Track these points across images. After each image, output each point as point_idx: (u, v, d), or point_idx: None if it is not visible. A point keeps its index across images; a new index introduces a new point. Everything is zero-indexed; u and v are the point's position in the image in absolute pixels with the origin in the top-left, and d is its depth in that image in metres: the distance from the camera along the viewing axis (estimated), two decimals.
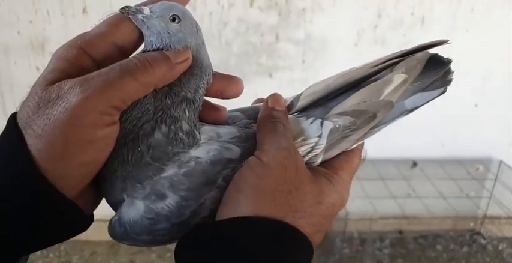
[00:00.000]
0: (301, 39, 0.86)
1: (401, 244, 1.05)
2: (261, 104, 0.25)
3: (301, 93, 0.25)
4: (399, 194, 0.99)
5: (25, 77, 0.84)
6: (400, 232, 1.06)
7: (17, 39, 0.82)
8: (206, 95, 0.24)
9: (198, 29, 0.24)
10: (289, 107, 0.25)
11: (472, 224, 1.09)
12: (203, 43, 0.24)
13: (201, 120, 0.24)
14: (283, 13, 0.84)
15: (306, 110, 0.25)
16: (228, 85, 0.24)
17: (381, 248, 1.04)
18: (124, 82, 0.21)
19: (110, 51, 0.22)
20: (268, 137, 0.22)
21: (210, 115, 0.24)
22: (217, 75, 0.24)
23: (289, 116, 0.24)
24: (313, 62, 0.88)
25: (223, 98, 0.24)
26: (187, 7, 0.24)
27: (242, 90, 0.24)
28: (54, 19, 0.79)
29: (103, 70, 0.21)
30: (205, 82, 0.24)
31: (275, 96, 0.24)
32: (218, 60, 0.84)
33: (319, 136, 0.23)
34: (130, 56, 0.22)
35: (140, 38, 0.23)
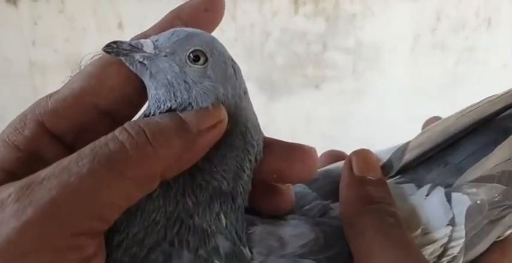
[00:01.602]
0: (351, 47, 0.79)
1: None
2: (337, 164, 0.17)
3: (408, 142, 0.17)
4: None
5: None
6: None
7: (53, 58, 0.80)
8: (254, 180, 0.16)
9: (236, 70, 0.16)
10: (385, 168, 0.17)
11: None
12: (245, 92, 0.16)
13: (249, 211, 0.15)
14: (331, 20, 0.77)
15: (411, 169, 0.16)
16: (292, 162, 0.15)
17: None
18: (101, 183, 0.13)
19: (88, 122, 0.15)
20: (374, 244, 0.14)
21: (265, 202, 0.16)
22: (271, 145, 0.15)
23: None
24: (365, 71, 0.80)
25: (282, 183, 0.16)
26: (216, 32, 0.16)
27: (315, 170, 0.15)
28: (90, 36, 0.76)
29: (64, 162, 0.13)
30: (252, 159, 0.15)
31: (363, 155, 0.16)
32: (259, 74, 0.78)
33: (452, 223, 0.14)
34: (117, 129, 0.14)
35: (140, 92, 0.15)
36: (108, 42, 0.15)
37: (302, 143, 0.15)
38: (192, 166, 0.14)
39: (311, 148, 0.15)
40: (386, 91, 0.81)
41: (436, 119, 0.18)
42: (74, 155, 0.13)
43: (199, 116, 0.14)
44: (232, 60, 0.16)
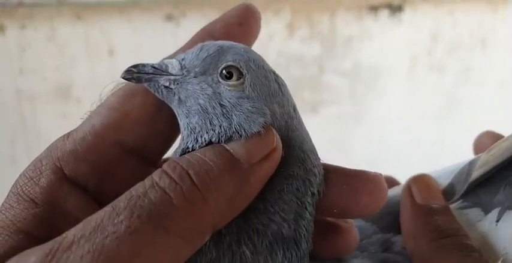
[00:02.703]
0: (348, 69, 0.78)
1: None
2: (392, 192, 0.14)
3: (473, 162, 0.14)
4: None
5: (51, 124, 0.79)
6: None
7: (42, 86, 0.78)
8: (316, 216, 0.13)
9: (280, 84, 0.14)
10: (446, 194, 0.15)
11: None
12: (295, 109, 0.14)
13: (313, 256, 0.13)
14: (327, 43, 0.77)
15: (471, 192, 0.14)
16: (357, 194, 0.13)
17: None
18: (144, 245, 0.10)
19: (112, 163, 0.13)
20: None
21: (324, 243, 0.13)
22: (328, 173, 0.13)
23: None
24: (363, 94, 0.79)
25: (343, 219, 0.14)
26: (257, 46, 0.14)
27: (383, 203, 0.13)
28: (80, 63, 0.75)
29: (95, 219, 0.11)
30: (314, 192, 0.13)
31: (424, 181, 0.14)
32: None
33: None
34: (156, 173, 0.12)
35: (171, 124, 0.13)
36: (99, 69, 0.13)
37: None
38: (246, 208, 0.12)
39: (378, 175, 0.13)
40: (385, 113, 0.80)
41: (489, 133, 0.16)
42: (107, 210, 0.11)
43: (248, 147, 0.12)
44: (274, 73, 0.14)
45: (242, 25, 0.15)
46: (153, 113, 0.14)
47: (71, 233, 0.11)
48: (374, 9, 0.76)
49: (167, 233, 0.11)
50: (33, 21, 0.73)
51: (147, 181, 0.12)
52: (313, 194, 0.13)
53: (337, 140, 0.79)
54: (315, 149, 0.14)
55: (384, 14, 0.76)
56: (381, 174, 0.13)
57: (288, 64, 0.78)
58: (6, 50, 0.71)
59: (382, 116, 0.79)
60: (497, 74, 0.82)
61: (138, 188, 0.12)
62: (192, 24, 0.63)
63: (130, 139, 0.13)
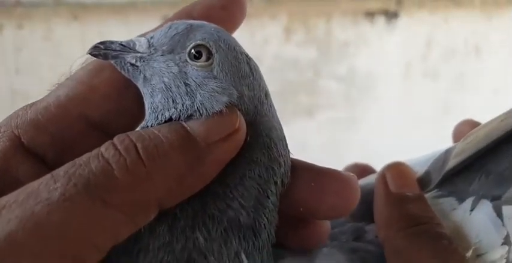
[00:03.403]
0: (343, 74, 0.78)
1: None
2: (366, 180, 0.14)
3: (449, 150, 0.14)
4: None
5: None
6: None
7: (38, 87, 0.78)
8: (282, 211, 0.13)
9: (252, 68, 0.13)
10: (421, 182, 0.15)
11: None
12: (267, 95, 0.13)
13: (276, 245, 0.12)
14: (323, 47, 0.77)
15: (447, 180, 0.14)
16: (324, 194, 0.12)
17: None
18: (76, 214, 0.10)
19: (75, 137, 0.12)
20: None
21: (292, 235, 0.13)
22: (296, 169, 0.13)
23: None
24: (359, 98, 0.79)
25: (311, 218, 0.13)
26: (239, 33, 0.14)
27: (354, 205, 0.12)
28: (76, 64, 0.75)
29: (32, 185, 0.10)
30: (278, 181, 0.12)
31: (399, 169, 0.14)
32: None
33: (507, 242, 0.12)
34: (104, 144, 0.11)
35: (140, 101, 0.13)
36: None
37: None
38: (203, 191, 0.12)
39: (349, 175, 0.13)
40: (380, 119, 0.80)
41: (468, 122, 0.16)
42: (46, 177, 0.11)
43: (208, 125, 0.11)
44: (247, 56, 0.13)
45: (224, 9, 0.14)
46: (121, 89, 0.13)
47: (5, 199, 0.11)
48: (370, 15, 0.76)
49: (105, 205, 0.10)
50: (30, 21, 0.73)
51: (93, 151, 0.11)
52: (275, 183, 0.12)
53: (332, 145, 0.79)
54: (284, 138, 0.13)
55: (380, 20, 0.77)
56: (353, 175, 0.13)
57: (283, 68, 0.78)
58: (2, 50, 0.71)
59: (377, 121, 0.79)
60: (491, 80, 0.83)
61: (82, 157, 0.11)
62: None
63: (95, 114, 0.13)
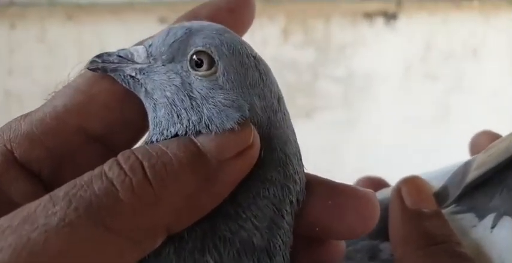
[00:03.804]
0: (342, 76, 0.78)
1: None
2: (380, 195, 0.13)
3: (469, 163, 0.13)
4: None
5: None
6: None
7: (31, 88, 0.76)
8: (294, 230, 0.12)
9: (262, 72, 0.12)
10: (438, 197, 0.14)
11: None
12: (279, 100, 0.12)
13: None
14: (321, 49, 0.77)
15: (466, 195, 0.13)
16: (342, 212, 0.11)
17: None
18: (76, 242, 0.09)
19: (73, 151, 0.11)
20: None
21: (305, 256, 0.12)
22: (311, 185, 0.12)
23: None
24: (357, 100, 0.79)
25: (327, 239, 0.12)
26: (249, 36, 0.13)
27: (374, 224, 0.11)
28: (71, 65, 0.74)
29: (28, 207, 0.09)
30: (293, 200, 0.11)
31: (415, 184, 0.13)
32: None
33: None
34: (108, 162, 0.10)
35: (143, 112, 0.12)
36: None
37: None
38: (213, 211, 0.11)
39: (368, 191, 0.12)
40: (378, 120, 0.79)
41: (486, 133, 0.15)
42: (44, 198, 0.10)
43: (219, 141, 0.10)
44: (255, 58, 0.12)
45: (232, 12, 0.13)
46: (123, 99, 0.12)
47: None
48: (369, 16, 0.76)
49: (108, 231, 0.09)
50: (23, 21, 0.71)
51: (96, 170, 0.10)
52: (291, 202, 0.11)
53: (330, 146, 0.79)
54: (299, 151, 0.12)
55: (379, 21, 0.76)
56: (372, 191, 0.12)
57: (282, 70, 0.77)
58: None
59: (375, 123, 0.79)
60: (489, 82, 0.82)
61: (84, 177, 0.10)
62: None
63: (95, 126, 0.12)
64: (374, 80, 0.78)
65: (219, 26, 0.12)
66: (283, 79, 0.81)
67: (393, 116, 0.78)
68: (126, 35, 0.68)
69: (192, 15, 0.13)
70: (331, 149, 0.78)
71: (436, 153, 0.76)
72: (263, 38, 0.76)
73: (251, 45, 0.13)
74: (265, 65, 0.12)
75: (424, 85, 0.78)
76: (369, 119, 0.78)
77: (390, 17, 0.76)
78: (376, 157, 0.77)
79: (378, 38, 0.77)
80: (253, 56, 0.12)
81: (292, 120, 0.14)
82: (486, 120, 0.79)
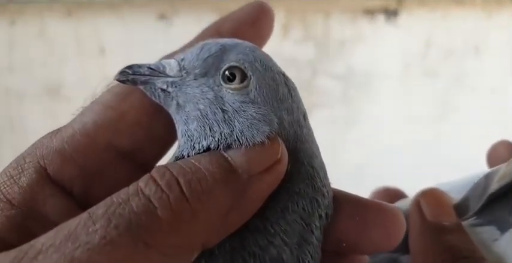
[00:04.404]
0: (341, 73, 0.77)
1: None
2: (401, 206, 0.13)
3: (490, 175, 0.13)
4: None
5: (39, 124, 0.77)
6: None
7: (31, 85, 0.76)
8: (321, 246, 0.11)
9: (290, 89, 0.13)
10: (458, 209, 0.13)
11: None
12: (305, 117, 0.13)
13: None
14: (321, 45, 0.76)
15: (486, 207, 0.13)
16: (369, 228, 0.11)
17: None
18: (118, 259, 0.09)
19: (103, 167, 0.12)
20: None
21: None
22: (337, 201, 0.12)
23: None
24: (357, 97, 0.78)
25: (352, 253, 0.12)
26: (269, 48, 0.12)
27: (399, 239, 0.12)
28: (70, 61, 0.73)
29: (68, 225, 0.10)
30: (322, 214, 0.11)
31: (435, 196, 0.13)
32: None
33: None
34: (143, 179, 0.11)
35: (171, 127, 0.12)
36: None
37: None
38: (242, 226, 0.11)
39: (394, 207, 0.12)
40: (378, 118, 0.79)
41: (504, 143, 0.15)
42: (83, 216, 0.10)
43: (249, 155, 0.11)
44: (284, 75, 0.13)
45: (254, 25, 0.13)
46: (152, 115, 0.12)
47: (40, 241, 0.10)
48: (369, 13, 0.75)
49: (148, 248, 0.10)
50: (23, 17, 0.71)
51: (131, 187, 0.11)
52: (320, 216, 0.11)
53: (330, 144, 0.79)
54: (324, 166, 0.12)
55: (380, 18, 0.75)
56: (398, 208, 0.12)
57: (281, 66, 0.77)
58: None
59: (375, 120, 0.78)
60: (490, 79, 0.82)
61: (120, 194, 0.10)
62: (185, 24, 0.62)
63: (125, 142, 0.12)
64: (374, 77, 0.78)
65: (251, 44, 0.13)
66: None
67: (393, 113, 0.78)
68: (125, 31, 0.68)
69: (215, 29, 0.13)
70: (330, 146, 0.77)
71: (435, 150, 0.76)
72: None
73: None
74: (293, 83, 0.12)
75: (424, 82, 0.78)
76: (368, 116, 0.78)
77: (391, 13, 0.76)
78: (375, 154, 0.77)
79: (378, 34, 0.76)
80: (282, 73, 0.13)
81: None
82: (486, 117, 0.79)
